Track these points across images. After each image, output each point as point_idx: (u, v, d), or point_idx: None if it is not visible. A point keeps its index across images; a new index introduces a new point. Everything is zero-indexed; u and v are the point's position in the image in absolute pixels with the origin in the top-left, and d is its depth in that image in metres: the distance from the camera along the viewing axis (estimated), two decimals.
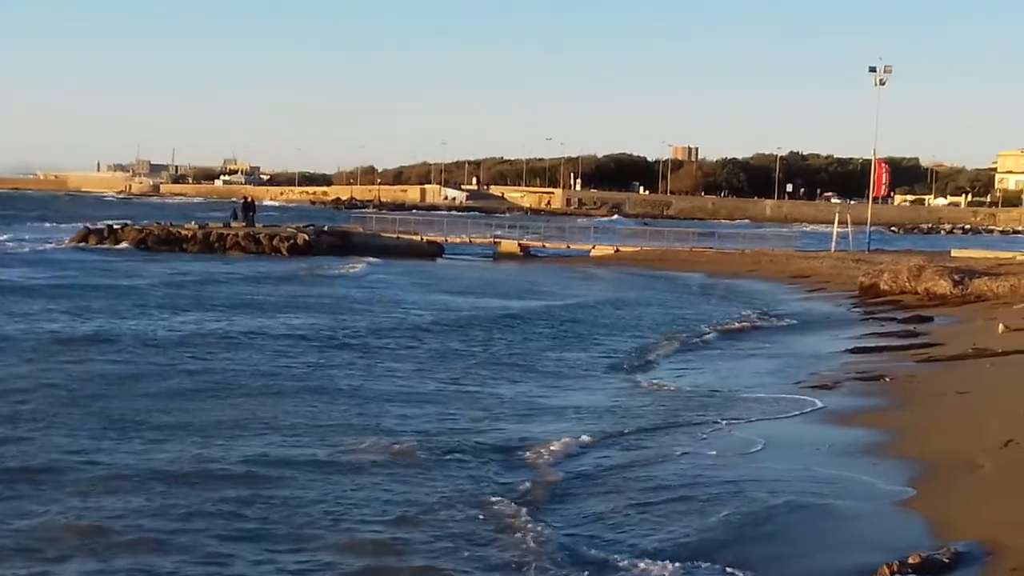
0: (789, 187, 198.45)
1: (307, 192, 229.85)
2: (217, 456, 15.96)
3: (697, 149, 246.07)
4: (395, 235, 74.07)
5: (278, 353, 26.52)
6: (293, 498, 14.02)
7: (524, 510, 13.55)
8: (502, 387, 22.94)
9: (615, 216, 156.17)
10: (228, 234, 67.80)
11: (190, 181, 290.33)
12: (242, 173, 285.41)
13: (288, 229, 71.44)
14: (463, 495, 14.32)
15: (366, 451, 16.49)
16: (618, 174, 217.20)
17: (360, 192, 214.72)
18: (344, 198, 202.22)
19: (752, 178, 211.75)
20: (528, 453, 16.74)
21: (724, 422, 18.92)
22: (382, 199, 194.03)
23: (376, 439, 17.19)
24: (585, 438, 17.64)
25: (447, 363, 25.93)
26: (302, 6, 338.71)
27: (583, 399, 21.64)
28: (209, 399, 20.48)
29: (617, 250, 71.09)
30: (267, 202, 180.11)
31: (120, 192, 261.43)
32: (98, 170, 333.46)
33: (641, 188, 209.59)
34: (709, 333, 33.50)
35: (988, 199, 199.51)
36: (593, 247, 72.21)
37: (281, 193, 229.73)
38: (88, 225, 73.48)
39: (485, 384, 23.28)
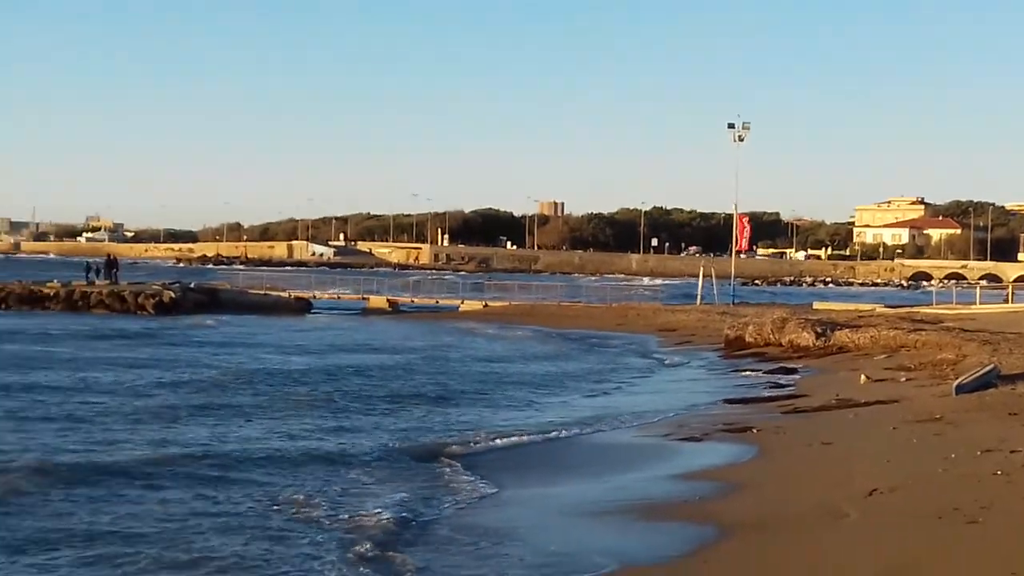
0: (654, 241, 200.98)
1: (172, 249, 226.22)
2: None
3: (563, 204, 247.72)
4: (263, 292, 73.51)
5: None
6: None
7: None
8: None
9: (484, 270, 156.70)
10: (92, 292, 66.55)
11: (52, 239, 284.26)
12: (105, 230, 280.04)
13: (153, 286, 70.24)
14: None
15: None
16: (485, 229, 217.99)
17: (227, 249, 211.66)
18: (211, 255, 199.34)
19: (617, 233, 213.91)
20: None
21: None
22: (249, 256, 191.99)
23: None
24: None
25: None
26: (162, 64, 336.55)
27: None
28: None
29: (486, 304, 71.27)
30: (161, 260, 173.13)
31: None
32: None
33: (508, 243, 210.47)
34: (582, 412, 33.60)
35: (847, 252, 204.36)
36: (462, 302, 72.28)
37: (146, 250, 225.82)
38: None
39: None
